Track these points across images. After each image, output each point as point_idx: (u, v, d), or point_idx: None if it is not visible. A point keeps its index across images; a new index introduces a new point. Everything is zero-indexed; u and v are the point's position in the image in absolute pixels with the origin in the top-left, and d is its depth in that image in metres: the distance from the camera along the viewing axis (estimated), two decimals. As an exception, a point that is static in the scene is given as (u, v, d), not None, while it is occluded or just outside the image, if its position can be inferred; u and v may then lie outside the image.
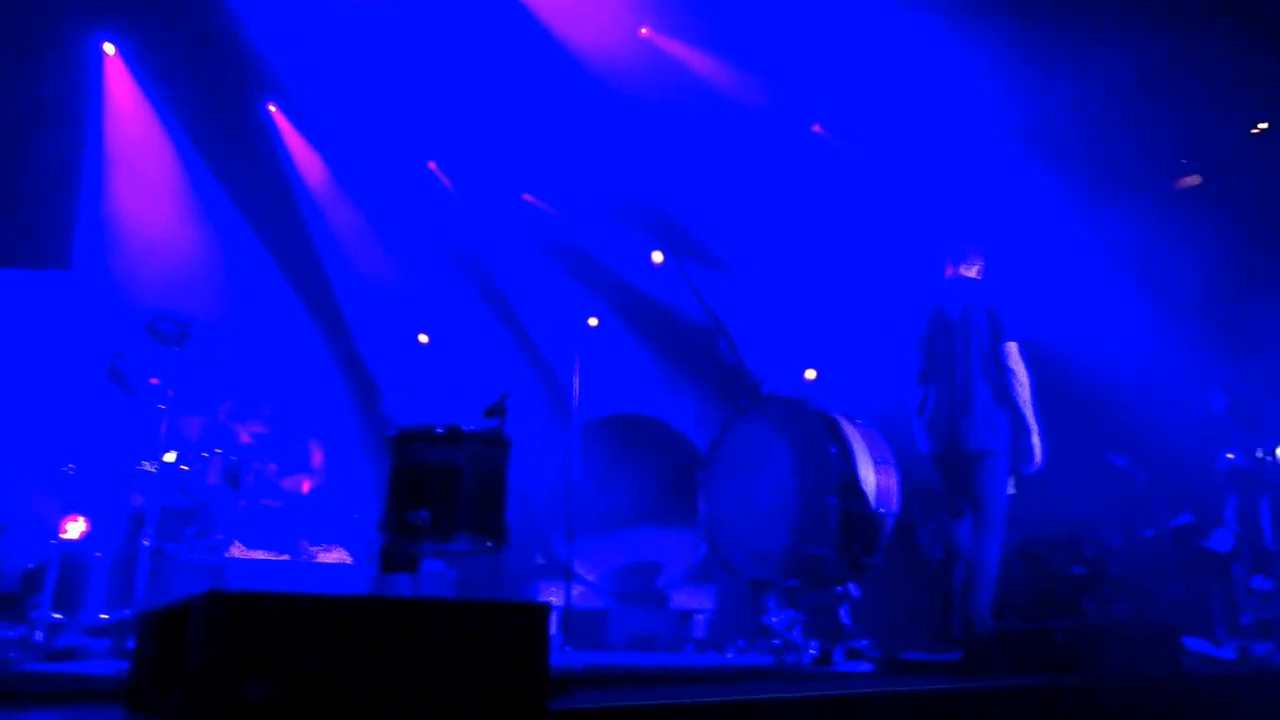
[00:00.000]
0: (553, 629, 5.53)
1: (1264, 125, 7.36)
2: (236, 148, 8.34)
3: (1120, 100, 7.08)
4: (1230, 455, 6.55)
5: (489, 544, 4.19)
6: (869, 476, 5.08)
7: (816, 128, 8.34)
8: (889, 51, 7.26)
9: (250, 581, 6.17)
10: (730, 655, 4.88)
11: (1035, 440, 4.75)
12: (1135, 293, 7.63)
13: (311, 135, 8.66)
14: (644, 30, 7.82)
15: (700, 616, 6.86)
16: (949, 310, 5.00)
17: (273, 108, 8.51)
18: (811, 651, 4.68)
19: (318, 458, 7.57)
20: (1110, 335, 7.46)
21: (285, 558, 6.72)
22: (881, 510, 5.10)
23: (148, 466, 5.53)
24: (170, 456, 6.15)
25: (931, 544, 6.76)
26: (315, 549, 6.91)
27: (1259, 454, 6.42)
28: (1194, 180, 7.83)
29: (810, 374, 6.97)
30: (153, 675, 2.61)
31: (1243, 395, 6.70)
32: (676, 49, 7.89)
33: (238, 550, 6.27)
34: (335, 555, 6.85)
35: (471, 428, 4.19)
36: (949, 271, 5.18)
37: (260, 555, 6.42)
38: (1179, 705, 4.40)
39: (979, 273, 5.16)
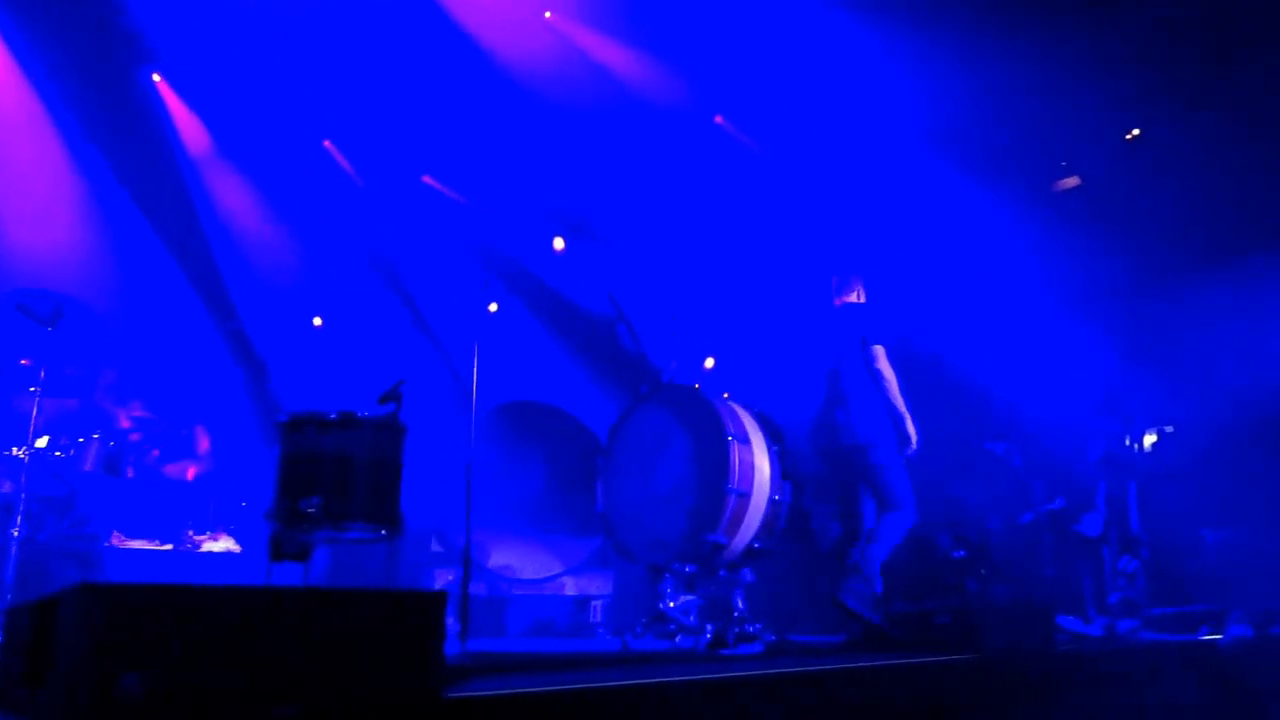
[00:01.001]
0: (449, 618, 5.50)
1: (1136, 131, 7.74)
2: (118, 118, 7.97)
3: (1007, 103, 7.35)
4: (1101, 443, 6.88)
5: (383, 532, 4.12)
6: (764, 465, 5.17)
7: (719, 119, 8.41)
8: (788, 44, 7.36)
9: (131, 573, 5.96)
10: (627, 640, 4.91)
11: (909, 427, 5.28)
12: (1015, 289, 7.94)
13: (199, 108, 8.33)
14: (548, 14, 7.75)
15: (598, 603, 6.89)
16: (831, 336, 5.57)
17: (157, 78, 8.16)
18: (706, 635, 4.75)
19: (204, 443, 7.35)
20: (990, 330, 7.75)
21: (168, 547, 6.51)
22: (776, 498, 5.20)
23: (18, 452, 5.28)
24: (42, 442, 5.88)
25: (824, 531, 6.93)
26: (201, 538, 6.72)
27: (1127, 442, 6.77)
28: (1073, 182, 8.19)
29: (709, 362, 7.06)
30: (22, 671, 2.51)
31: (1114, 387, 7.05)
32: (582, 35, 7.84)
33: (117, 540, 6.04)
34: (222, 544, 6.66)
35: (366, 414, 4.12)
36: (836, 301, 5.73)
37: (141, 545, 6.20)
38: (1052, 679, 4.63)
39: (860, 295, 5.72)
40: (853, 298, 5.71)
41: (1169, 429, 7.01)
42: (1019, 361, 7.65)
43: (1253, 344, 7.39)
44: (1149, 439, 6.91)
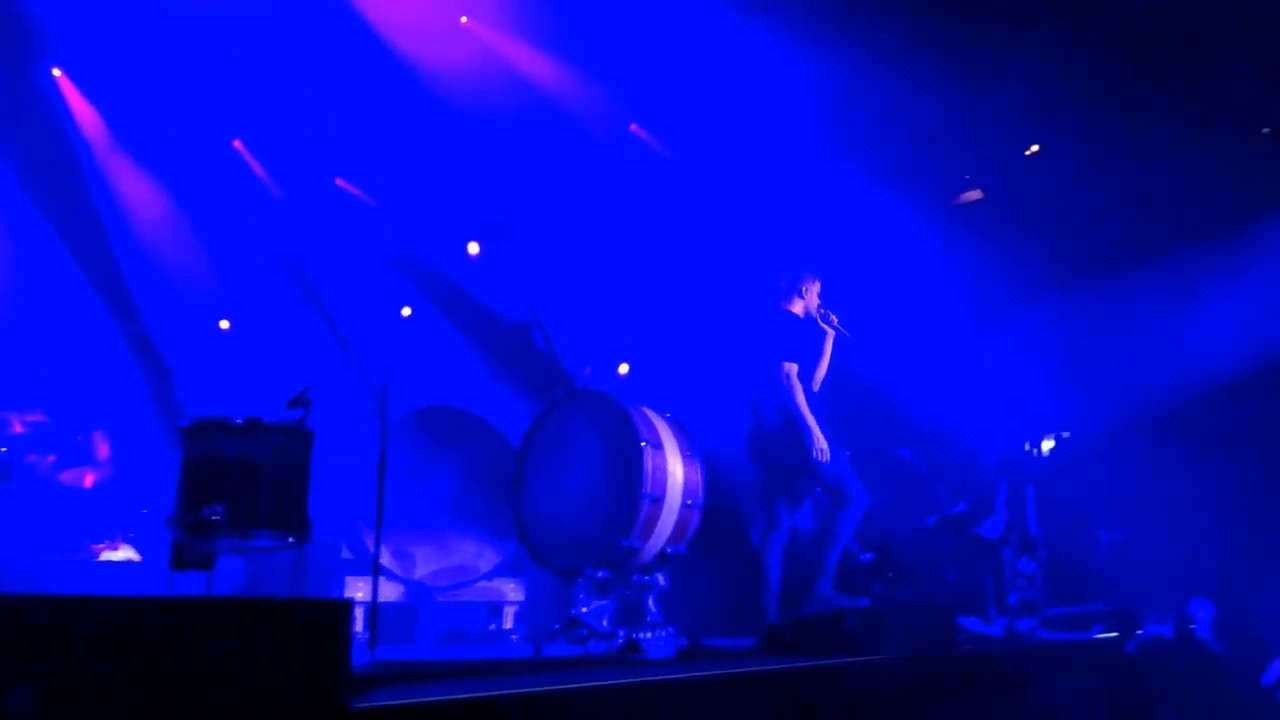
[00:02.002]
0: (358, 626, 5.41)
1: (1035, 147, 8.05)
2: (15, 114, 7.66)
3: (913, 118, 7.56)
4: (1001, 448, 7.13)
5: (290, 539, 4.06)
6: (677, 470, 5.22)
7: (634, 127, 8.46)
8: (701, 55, 7.45)
9: (26, 583, 5.75)
10: (540, 646, 4.91)
11: (817, 439, 5.38)
12: (921, 297, 8.17)
13: (102, 104, 8.06)
14: (464, 19, 7.70)
15: (510, 609, 6.85)
16: (765, 342, 5.63)
17: (58, 72, 7.87)
18: (619, 640, 4.78)
19: (103, 449, 7.12)
20: (898, 337, 7.96)
21: (65, 557, 6.29)
22: (688, 503, 5.26)
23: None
24: (-71, 448, 5.63)
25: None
26: (99, 547, 6.52)
27: (1026, 447, 7.02)
28: (975, 195, 8.47)
29: (623, 368, 7.10)
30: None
31: (1013, 393, 7.31)
32: (498, 40, 7.81)
33: (10, 550, 5.81)
34: (122, 553, 6.47)
35: (273, 419, 4.05)
36: (783, 305, 5.78)
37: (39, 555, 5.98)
38: (954, 678, 4.78)
39: (807, 298, 5.79)
40: (796, 305, 5.78)
41: (1065, 434, 7.29)
42: (924, 368, 7.87)
43: (1144, 349, 7.74)
44: (1046, 444, 7.17)
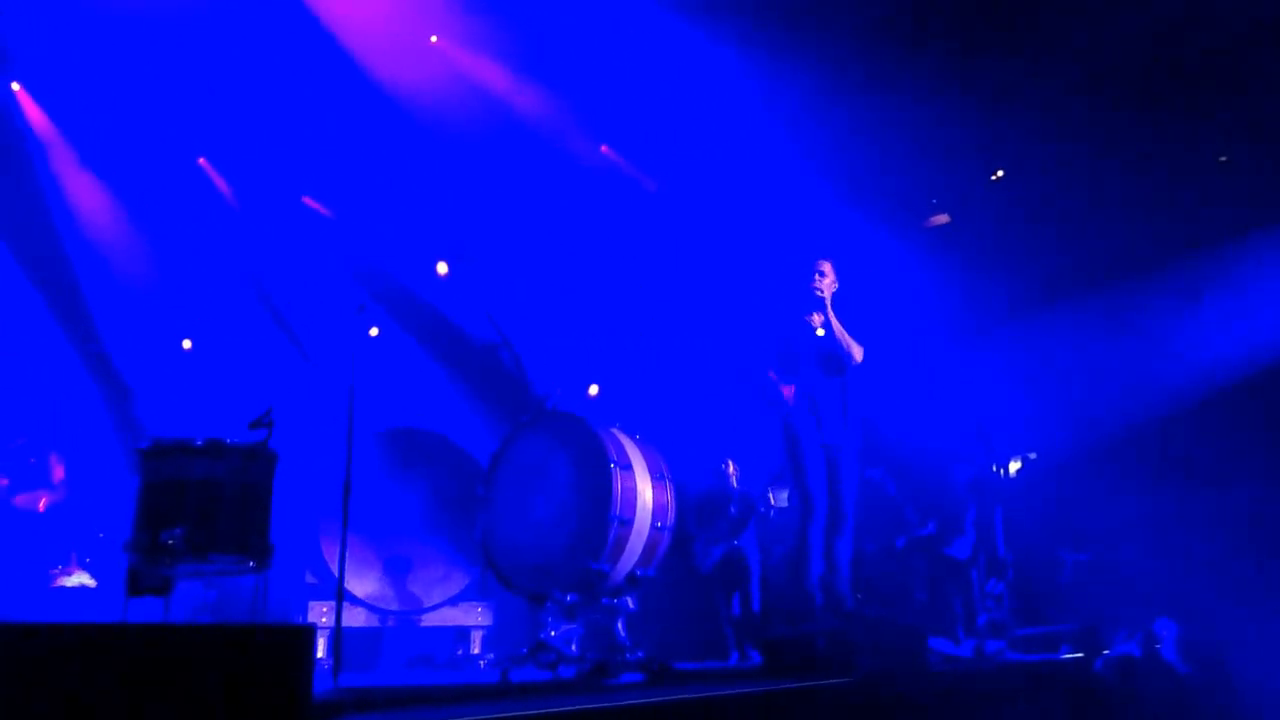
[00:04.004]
0: (321, 652, 5.31)
1: (1000, 173, 8.16)
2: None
3: (885, 145, 7.65)
4: (969, 470, 7.16)
5: (251, 564, 3.97)
6: (646, 492, 5.18)
7: (605, 148, 8.47)
8: (672, 78, 7.48)
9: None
10: (507, 671, 4.83)
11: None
12: (890, 320, 8.22)
13: (63, 120, 7.94)
14: (434, 38, 7.69)
15: (478, 633, 6.77)
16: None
17: (16, 87, 7.75)
18: (588, 665, 4.72)
19: (58, 471, 6.98)
20: (868, 360, 8.00)
21: (19, 583, 6.15)
22: (658, 525, 5.22)
23: None
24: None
25: (705, 555, 7.00)
26: (54, 572, 6.38)
27: (994, 468, 7.05)
28: (943, 219, 8.56)
29: (593, 389, 7.06)
30: None
31: (981, 415, 7.35)
32: (468, 60, 7.80)
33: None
34: (76, 579, 6.33)
35: (235, 441, 3.97)
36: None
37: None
38: (925, 700, 4.76)
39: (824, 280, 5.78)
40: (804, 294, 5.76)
41: (1032, 455, 7.34)
42: (893, 389, 7.90)
43: (1110, 372, 7.84)
44: (1014, 465, 7.21)
